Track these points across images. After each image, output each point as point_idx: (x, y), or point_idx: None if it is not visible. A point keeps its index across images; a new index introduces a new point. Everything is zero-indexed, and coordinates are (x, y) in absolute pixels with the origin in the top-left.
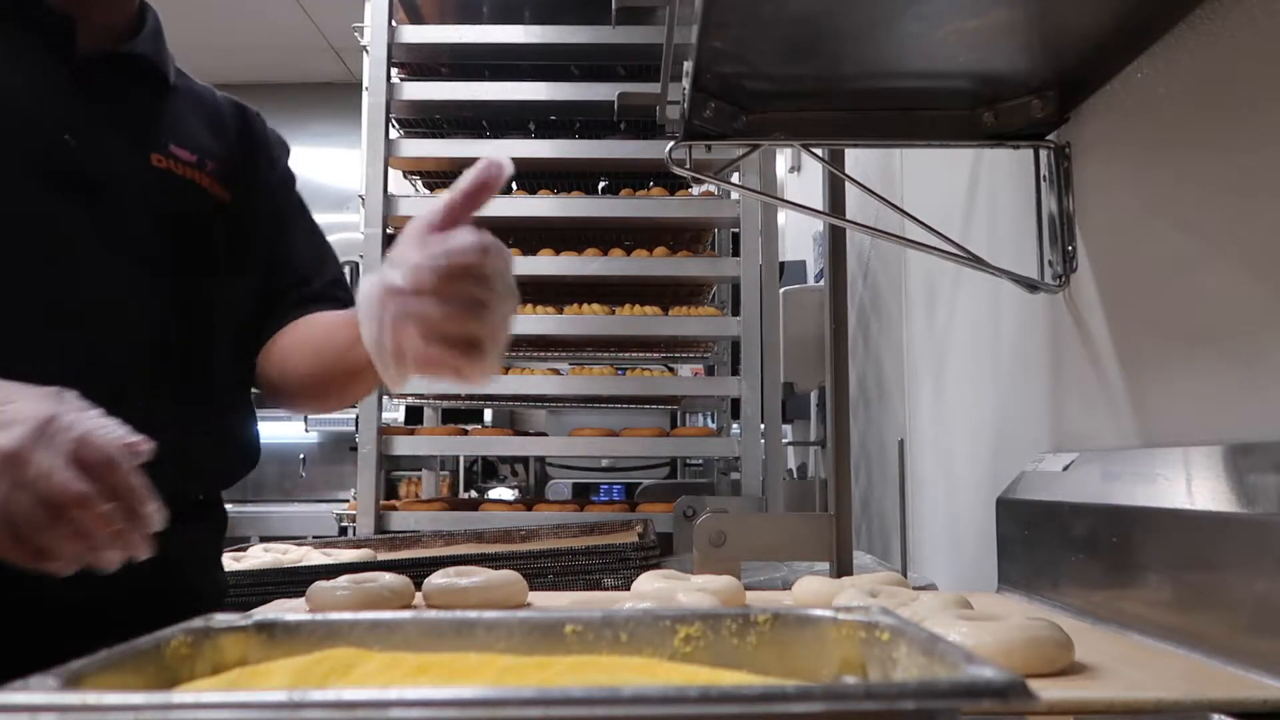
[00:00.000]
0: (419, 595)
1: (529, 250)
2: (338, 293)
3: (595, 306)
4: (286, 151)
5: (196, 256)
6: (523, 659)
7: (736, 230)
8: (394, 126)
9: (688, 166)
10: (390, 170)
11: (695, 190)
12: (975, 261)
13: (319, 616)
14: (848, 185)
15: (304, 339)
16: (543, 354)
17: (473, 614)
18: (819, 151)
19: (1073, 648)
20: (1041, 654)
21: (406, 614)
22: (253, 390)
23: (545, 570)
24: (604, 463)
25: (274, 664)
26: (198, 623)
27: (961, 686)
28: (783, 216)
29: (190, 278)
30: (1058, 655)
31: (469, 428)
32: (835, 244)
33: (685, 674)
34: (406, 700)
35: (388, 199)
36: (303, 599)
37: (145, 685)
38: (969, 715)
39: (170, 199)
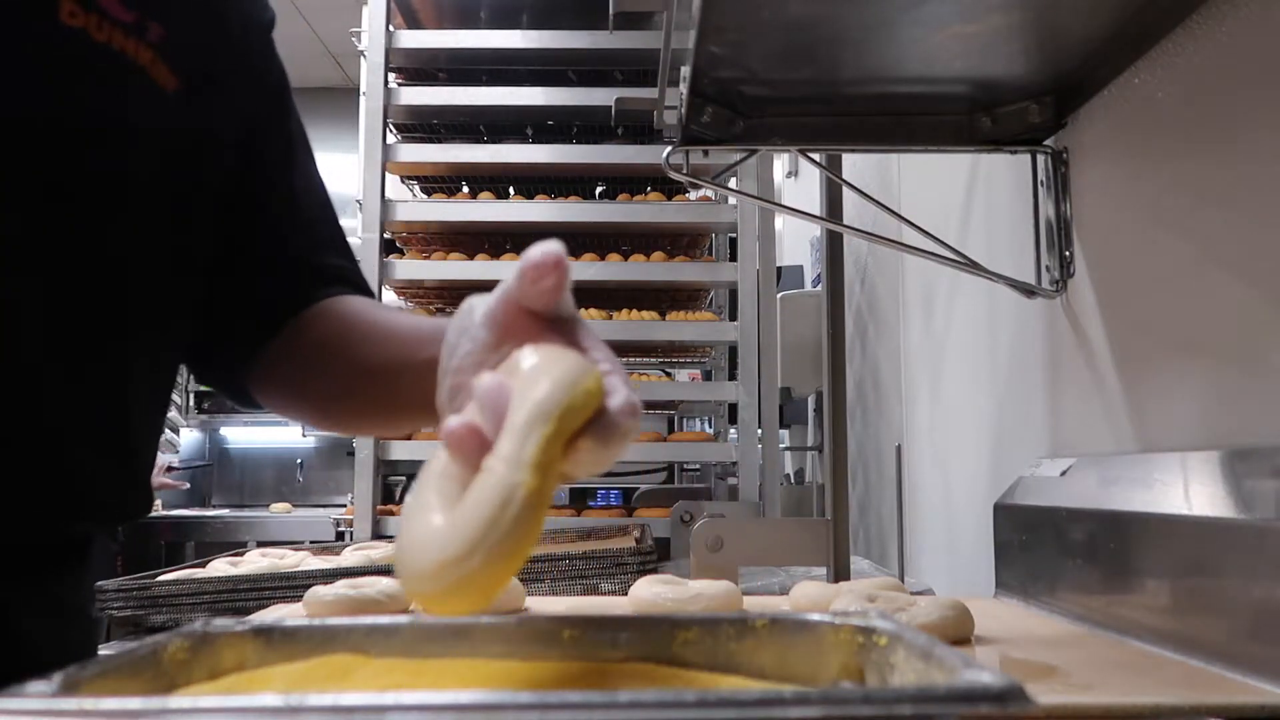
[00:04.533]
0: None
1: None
2: (358, 271)
3: (592, 311)
4: (271, 22)
5: (111, 184)
6: (520, 663)
7: (734, 235)
8: (391, 131)
9: (685, 171)
10: (388, 175)
11: (693, 195)
12: (972, 267)
13: (316, 621)
14: (845, 190)
15: (346, 346)
16: None
17: (469, 618)
18: (816, 157)
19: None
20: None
21: (404, 618)
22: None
23: (542, 575)
24: None
25: (271, 669)
26: (195, 627)
27: (959, 692)
28: (780, 221)
29: (102, 219)
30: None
31: None
32: (832, 249)
33: (682, 679)
34: (404, 705)
35: (385, 204)
36: (300, 604)
37: (142, 690)
38: None
39: (82, 83)
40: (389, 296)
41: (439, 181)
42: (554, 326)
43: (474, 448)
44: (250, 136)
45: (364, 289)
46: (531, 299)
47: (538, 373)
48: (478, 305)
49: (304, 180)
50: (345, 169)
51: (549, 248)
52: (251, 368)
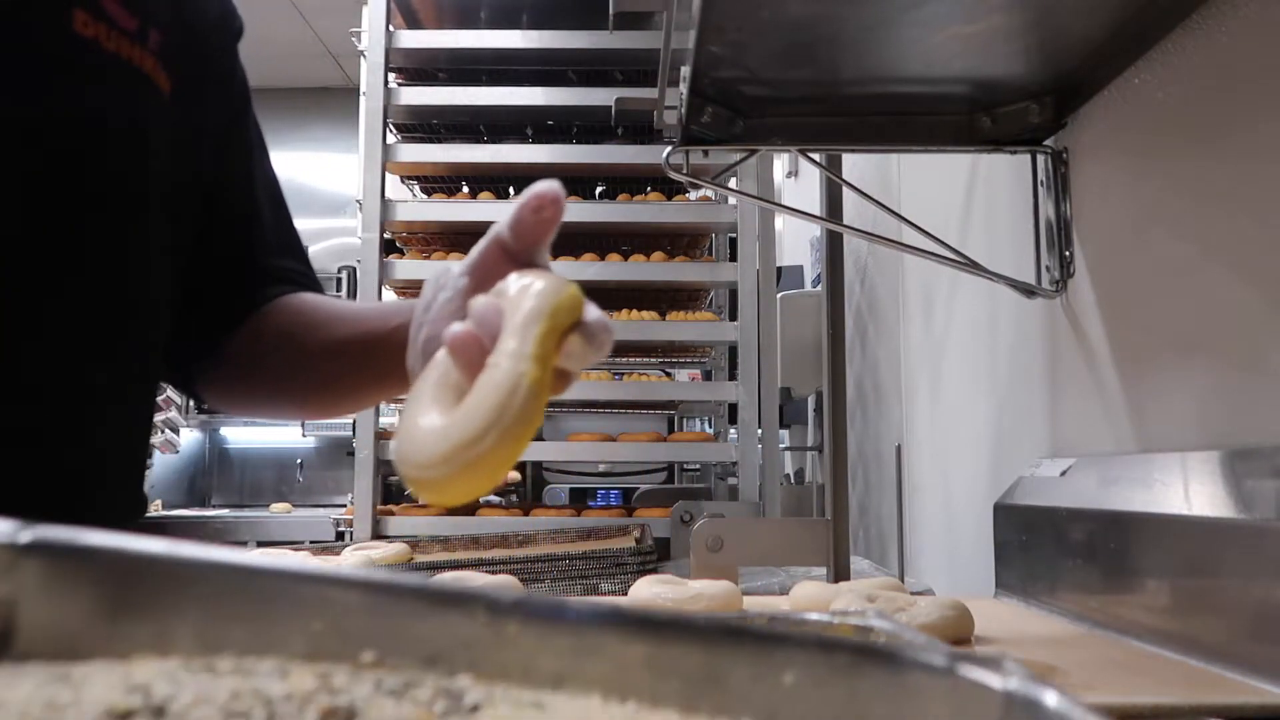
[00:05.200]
0: None
1: None
2: (310, 274)
3: None
4: (239, 31)
5: (124, 188)
6: None
7: (734, 235)
8: (391, 131)
9: (685, 171)
10: (388, 175)
11: (693, 195)
12: (972, 267)
13: None
14: (845, 190)
15: (314, 330)
16: None
17: None
18: (816, 157)
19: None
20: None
21: None
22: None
23: (542, 575)
24: (601, 468)
25: None
26: None
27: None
28: (780, 221)
29: (114, 222)
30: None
31: None
32: (832, 249)
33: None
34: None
35: (385, 204)
36: None
37: None
38: None
39: (97, 92)
40: (389, 296)
41: (439, 181)
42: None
43: (474, 352)
44: (218, 141)
45: (318, 291)
46: (526, 229)
47: (527, 286)
48: (454, 265)
49: (264, 188)
50: (345, 169)
51: (551, 184)
52: (204, 365)
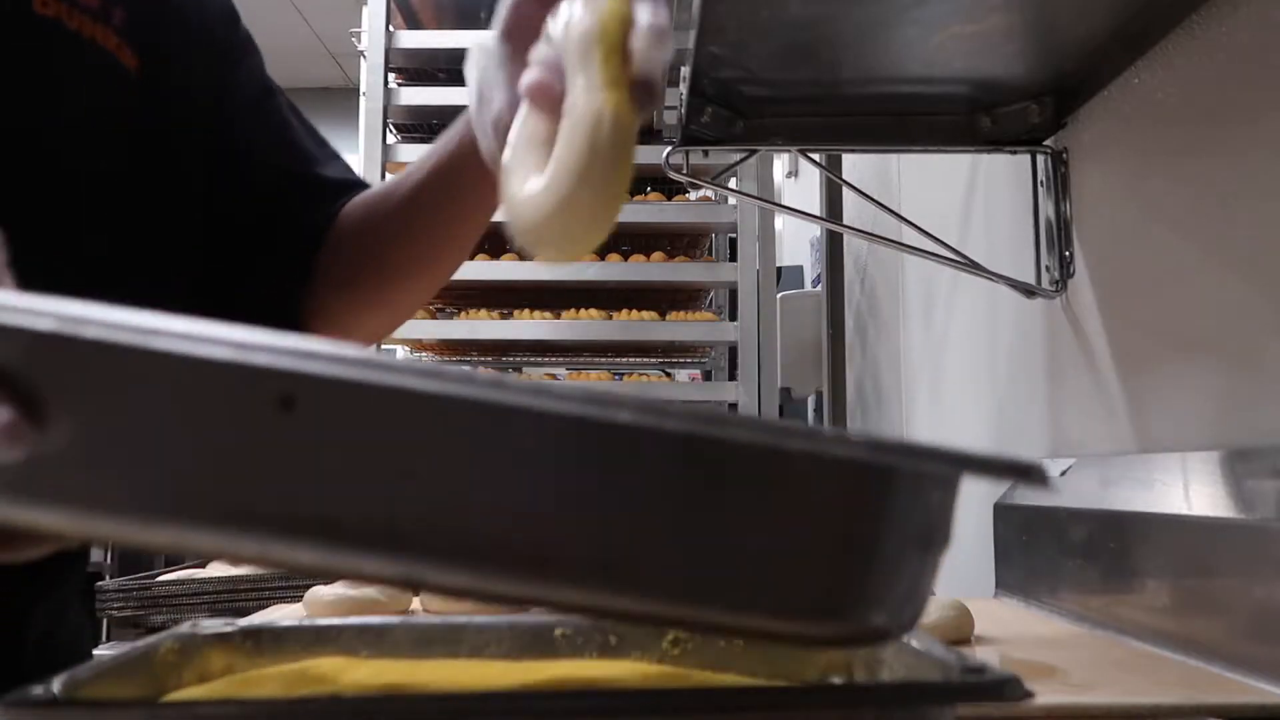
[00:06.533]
0: (416, 601)
1: (525, 255)
2: (362, 182)
3: (592, 311)
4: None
5: (89, 165)
6: (512, 664)
7: (734, 235)
8: (391, 131)
9: (685, 172)
10: (388, 175)
11: (693, 195)
12: (972, 267)
13: (306, 623)
14: (845, 191)
15: (385, 201)
16: (540, 359)
17: (462, 619)
18: (816, 157)
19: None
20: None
21: (395, 619)
22: None
23: None
24: None
25: (262, 672)
26: (184, 629)
27: (955, 687)
28: (780, 222)
29: (87, 211)
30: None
31: None
32: (832, 249)
33: (675, 677)
34: None
35: None
36: (300, 604)
37: (137, 694)
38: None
39: (60, 74)
40: None
41: None
42: None
43: (553, 97)
44: (219, 104)
45: None
46: None
47: (569, 19)
48: (482, 44)
49: (296, 131)
50: None
51: None
52: (304, 295)
